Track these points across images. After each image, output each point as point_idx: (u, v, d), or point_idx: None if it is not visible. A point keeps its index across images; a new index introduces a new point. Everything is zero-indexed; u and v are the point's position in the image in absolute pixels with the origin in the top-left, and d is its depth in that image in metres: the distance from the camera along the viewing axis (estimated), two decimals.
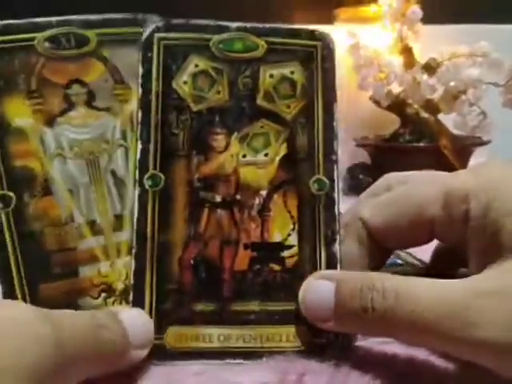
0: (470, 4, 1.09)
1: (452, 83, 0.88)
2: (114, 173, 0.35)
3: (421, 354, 0.32)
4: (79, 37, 0.35)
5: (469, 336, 0.27)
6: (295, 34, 0.37)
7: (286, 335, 0.34)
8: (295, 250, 0.35)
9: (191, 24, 0.36)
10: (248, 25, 0.36)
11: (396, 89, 0.92)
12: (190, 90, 0.35)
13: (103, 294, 0.34)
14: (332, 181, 0.35)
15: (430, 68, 0.89)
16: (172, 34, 0.35)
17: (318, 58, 0.36)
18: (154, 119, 0.34)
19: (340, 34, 0.94)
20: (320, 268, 0.35)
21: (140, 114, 0.34)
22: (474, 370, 0.30)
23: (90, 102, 0.35)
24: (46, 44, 0.34)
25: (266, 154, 0.35)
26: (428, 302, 0.28)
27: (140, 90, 0.34)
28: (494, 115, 0.89)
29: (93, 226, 0.35)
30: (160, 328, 0.33)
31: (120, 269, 0.34)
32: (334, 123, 0.36)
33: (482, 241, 0.30)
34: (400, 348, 0.33)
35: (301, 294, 0.33)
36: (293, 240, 0.35)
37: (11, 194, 0.33)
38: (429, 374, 0.31)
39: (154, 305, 0.33)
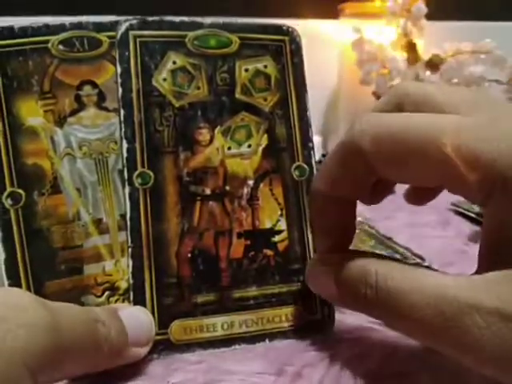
0: (474, 1, 1.09)
1: (455, 80, 0.88)
2: (121, 173, 0.35)
3: (416, 351, 0.33)
4: (92, 39, 0.36)
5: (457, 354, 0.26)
6: (264, 29, 0.39)
7: (285, 316, 0.36)
8: (285, 234, 0.37)
9: (165, 21, 0.36)
10: (221, 21, 0.37)
11: None
12: (170, 86, 0.36)
13: (107, 293, 0.35)
14: (311, 167, 0.38)
15: (433, 64, 0.89)
16: (147, 32, 0.35)
17: (287, 52, 0.39)
18: (137, 117, 0.35)
19: (345, 28, 0.94)
20: (308, 248, 0.37)
21: (122, 113, 0.34)
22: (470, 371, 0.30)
23: (100, 102, 0.36)
24: (60, 46, 0.35)
25: (249, 145, 0.37)
26: (420, 305, 0.26)
27: (120, 89, 0.35)
28: None
29: (99, 225, 0.35)
30: (164, 323, 0.34)
31: (124, 268, 0.35)
32: (308, 113, 0.39)
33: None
34: (396, 343, 0.34)
35: (306, 278, 0.34)
36: (282, 225, 0.37)
37: (21, 191, 0.34)
38: (424, 372, 0.31)
39: (155, 301, 0.34)
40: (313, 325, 0.36)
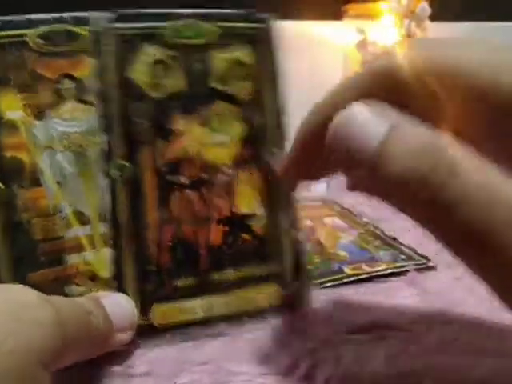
0: (476, 2, 1.08)
1: None
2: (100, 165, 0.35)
3: (420, 352, 0.33)
4: (71, 33, 0.36)
5: None
6: (241, 18, 0.39)
7: (262, 295, 0.37)
8: (261, 218, 0.38)
9: (142, 13, 0.36)
10: (198, 11, 0.37)
11: None
12: (148, 78, 0.36)
13: (88, 282, 0.35)
14: None
15: None
16: (124, 25, 0.36)
17: (262, 41, 0.39)
18: (114, 109, 0.35)
19: (349, 29, 0.94)
20: (284, 231, 0.38)
21: (100, 105, 0.35)
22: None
23: (79, 96, 0.36)
24: (39, 40, 0.35)
25: (225, 134, 0.38)
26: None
27: (98, 82, 0.35)
28: None
29: (80, 217, 0.36)
30: (145, 308, 0.34)
31: (105, 257, 0.35)
32: (282, 101, 0.39)
33: None
34: (401, 341, 0.34)
35: (337, 122, 0.24)
36: (258, 210, 0.38)
37: (0, 184, 0.34)
38: (428, 372, 0.31)
39: (136, 288, 0.34)
40: (288, 302, 0.37)
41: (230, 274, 0.37)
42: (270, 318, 0.37)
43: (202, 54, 0.37)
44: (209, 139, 0.37)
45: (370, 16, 0.94)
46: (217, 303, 0.36)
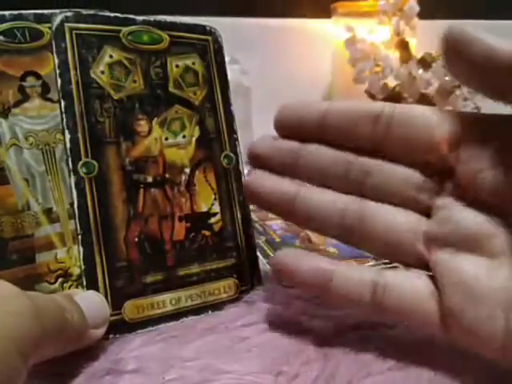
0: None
1: (447, 78, 0.88)
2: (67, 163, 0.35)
3: (406, 346, 0.33)
4: (34, 31, 0.36)
5: None
6: (191, 28, 0.41)
7: (223, 288, 0.39)
8: (219, 216, 0.40)
9: (100, 15, 0.37)
10: (151, 18, 0.39)
11: (392, 83, 0.92)
12: (108, 79, 0.37)
13: (60, 279, 0.36)
14: (237, 156, 0.42)
15: (426, 62, 0.89)
16: (83, 25, 0.36)
17: (211, 51, 0.42)
18: (77, 108, 0.35)
19: (338, 27, 0.95)
20: (239, 227, 0.41)
21: (63, 104, 0.35)
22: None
23: (44, 94, 0.36)
24: (1, 37, 0.35)
25: (183, 136, 0.39)
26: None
27: (59, 80, 0.35)
28: (487, 110, 0.88)
29: (49, 214, 0.36)
30: (117, 304, 0.35)
31: (76, 254, 0.36)
32: (232, 108, 0.42)
33: None
34: (386, 341, 0.34)
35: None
36: (216, 208, 0.40)
37: None
38: (418, 365, 0.31)
39: (107, 284, 0.35)
40: (244, 293, 0.40)
41: (194, 268, 0.38)
42: (229, 310, 0.38)
43: (158, 60, 0.39)
44: (169, 140, 0.39)
45: (358, 14, 0.95)
46: (184, 297, 0.37)
